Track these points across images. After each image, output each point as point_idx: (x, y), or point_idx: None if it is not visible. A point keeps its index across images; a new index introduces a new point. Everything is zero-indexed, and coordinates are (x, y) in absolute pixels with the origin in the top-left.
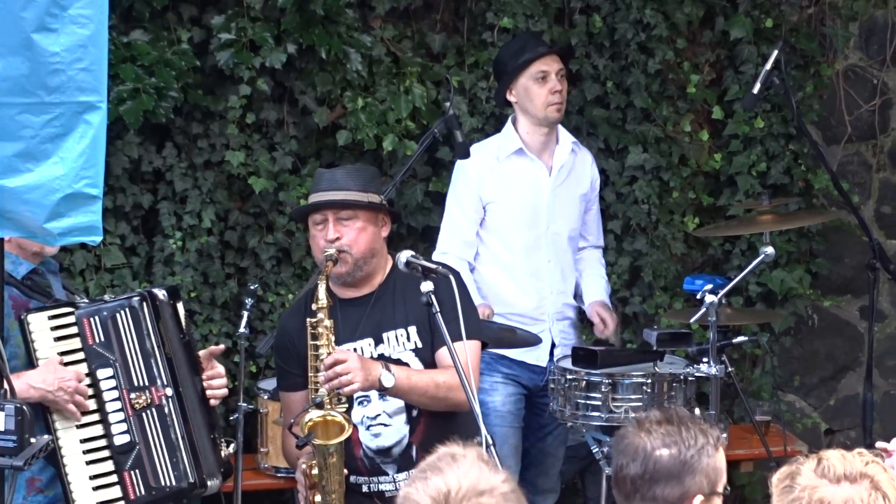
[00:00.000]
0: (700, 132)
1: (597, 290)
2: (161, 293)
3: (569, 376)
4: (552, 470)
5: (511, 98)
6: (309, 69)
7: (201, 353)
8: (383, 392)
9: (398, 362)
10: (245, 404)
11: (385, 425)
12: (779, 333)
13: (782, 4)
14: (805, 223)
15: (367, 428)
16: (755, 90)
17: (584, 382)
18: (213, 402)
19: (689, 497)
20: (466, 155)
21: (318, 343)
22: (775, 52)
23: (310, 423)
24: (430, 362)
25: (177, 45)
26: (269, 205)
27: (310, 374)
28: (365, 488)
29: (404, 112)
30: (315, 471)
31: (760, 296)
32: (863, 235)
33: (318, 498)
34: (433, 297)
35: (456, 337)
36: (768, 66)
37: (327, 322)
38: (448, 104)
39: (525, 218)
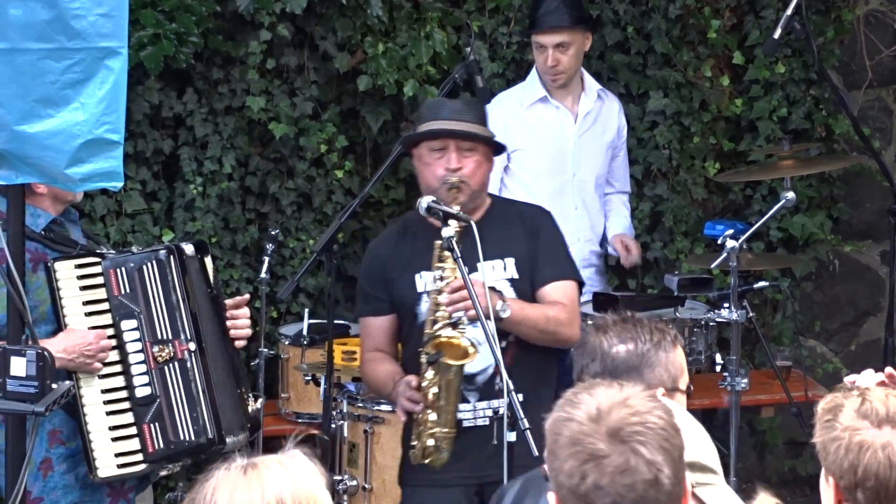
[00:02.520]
0: (721, 77)
1: (620, 225)
2: (189, 248)
3: (589, 322)
4: None
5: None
6: (329, 14)
7: (228, 301)
8: (498, 321)
9: (492, 291)
10: (266, 350)
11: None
12: (800, 279)
13: None
14: (826, 168)
15: None
16: (776, 35)
17: None
18: (238, 343)
19: (651, 390)
20: (487, 100)
21: (443, 266)
22: None
23: (438, 341)
24: (526, 294)
25: None
26: (289, 150)
27: (432, 294)
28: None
29: (425, 57)
30: (434, 389)
31: (781, 241)
32: (884, 180)
33: (432, 416)
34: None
35: (559, 276)
36: (789, 11)
37: (456, 253)
38: (469, 49)
39: (550, 165)
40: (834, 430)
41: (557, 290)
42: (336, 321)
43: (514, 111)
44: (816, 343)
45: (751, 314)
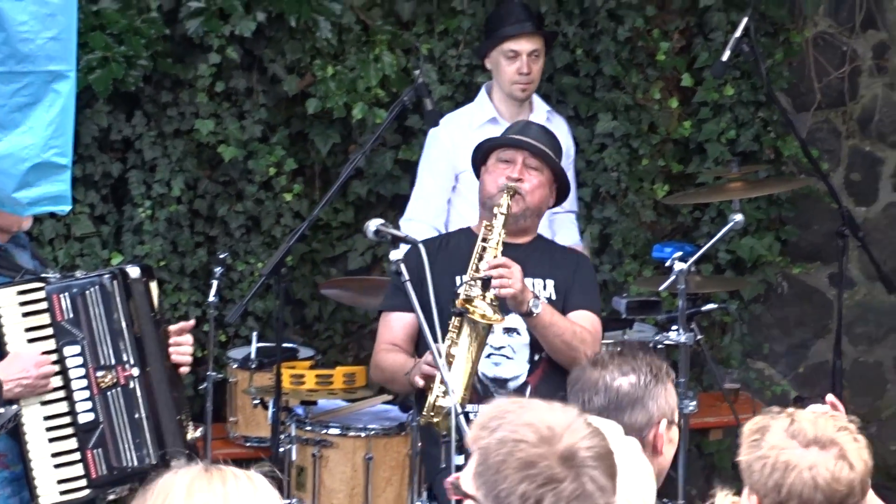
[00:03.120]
0: (669, 99)
1: (570, 239)
2: (134, 271)
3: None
4: None
5: (487, 64)
6: (278, 37)
7: (172, 327)
8: (527, 316)
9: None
10: (214, 373)
11: (508, 357)
12: (748, 301)
13: None
14: (774, 190)
15: (489, 356)
16: (724, 57)
17: None
18: (182, 369)
19: (656, 422)
20: (436, 123)
21: (486, 244)
22: (745, 20)
23: (467, 300)
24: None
25: (146, 14)
26: (238, 173)
27: (470, 269)
28: (472, 416)
29: (374, 80)
30: (455, 349)
31: (730, 263)
32: (832, 203)
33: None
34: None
35: (588, 306)
36: (738, 33)
37: (502, 230)
38: (418, 72)
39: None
40: (760, 448)
41: (584, 318)
42: (284, 344)
43: (463, 132)
44: (765, 365)
45: (699, 336)
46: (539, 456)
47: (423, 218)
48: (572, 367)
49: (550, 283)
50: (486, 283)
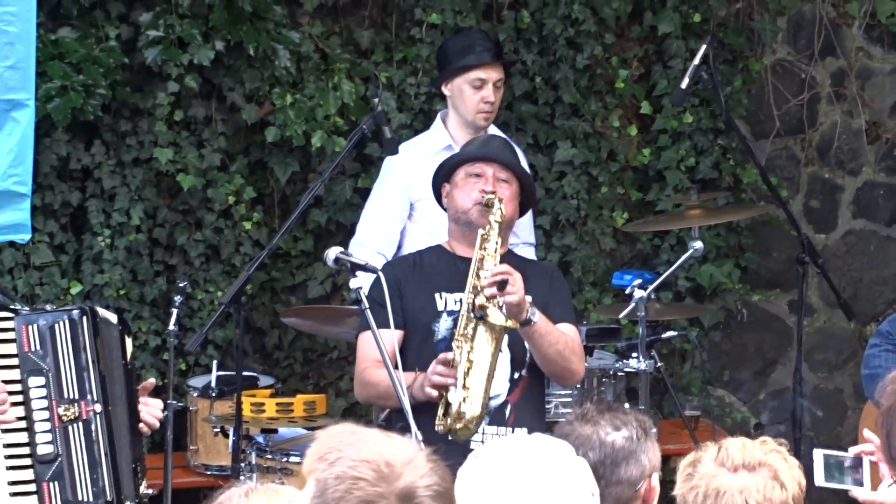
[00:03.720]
0: (628, 127)
1: None
2: (112, 316)
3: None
4: None
5: (445, 91)
6: (237, 66)
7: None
8: (525, 324)
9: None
10: (174, 402)
11: None
12: (708, 328)
13: None
14: (734, 217)
15: None
16: (683, 85)
17: None
18: (143, 427)
19: (648, 475)
20: (395, 151)
21: (485, 253)
22: (703, 47)
23: (485, 307)
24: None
25: (105, 43)
26: (197, 202)
27: (470, 278)
28: (450, 436)
29: (333, 108)
30: (467, 362)
31: (689, 290)
32: (791, 230)
33: (462, 392)
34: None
35: (569, 320)
36: (696, 60)
37: (498, 239)
38: (376, 100)
39: None
40: (692, 479)
41: (568, 331)
42: (244, 373)
43: (419, 160)
44: (725, 392)
45: (659, 364)
46: (377, 495)
47: (371, 244)
48: (562, 379)
49: (528, 298)
50: (501, 285)
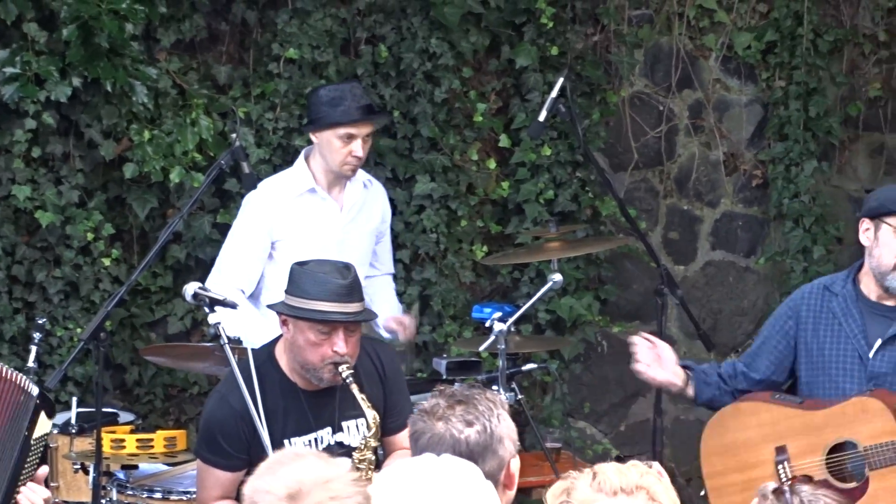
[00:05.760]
0: (487, 160)
1: (389, 308)
2: (34, 388)
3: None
4: None
5: (313, 138)
6: (94, 102)
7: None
8: None
9: (350, 451)
10: None
11: None
12: (568, 360)
13: (568, 32)
14: (593, 250)
15: None
16: (541, 118)
17: None
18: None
19: (507, 464)
20: (254, 186)
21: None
22: (561, 80)
23: None
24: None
25: None
26: (56, 238)
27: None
28: None
29: (191, 144)
30: None
31: (549, 323)
32: (651, 261)
33: None
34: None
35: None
36: (554, 93)
37: (370, 455)
38: (234, 136)
39: (314, 256)
40: None
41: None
42: (104, 409)
43: (281, 201)
44: (586, 424)
45: (520, 396)
46: None
47: (230, 280)
48: None
49: (371, 414)
50: None
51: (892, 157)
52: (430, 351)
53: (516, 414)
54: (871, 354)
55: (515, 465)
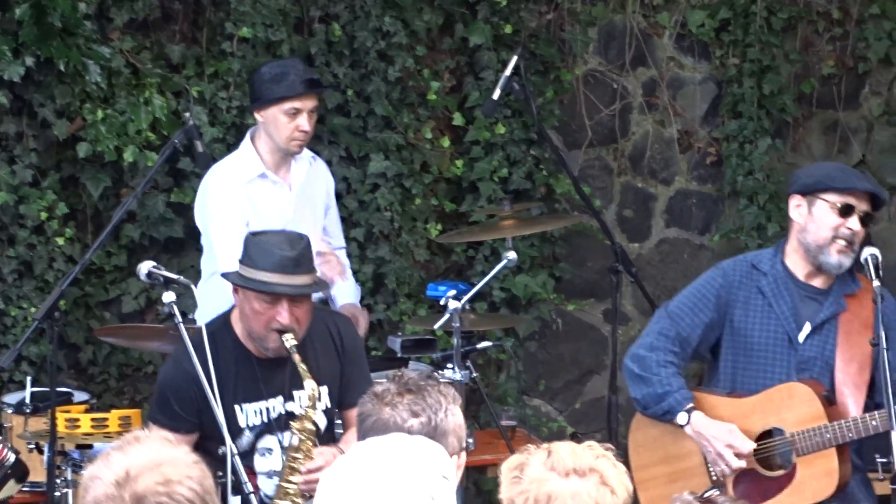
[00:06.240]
0: (441, 139)
1: (346, 293)
2: (10, 455)
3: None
4: None
5: (258, 117)
6: (48, 81)
7: None
8: None
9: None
10: None
11: None
12: (523, 338)
13: (521, 10)
14: (547, 227)
15: (270, 477)
16: (495, 96)
17: None
18: None
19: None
20: (207, 165)
21: (297, 452)
22: (514, 58)
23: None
24: (334, 419)
25: None
26: (9, 218)
27: (286, 474)
28: None
29: (144, 123)
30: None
31: (504, 301)
32: (605, 239)
33: None
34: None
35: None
36: (508, 71)
37: (309, 425)
38: (188, 115)
39: None
40: (521, 483)
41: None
42: (59, 389)
43: (234, 187)
44: (541, 402)
45: (475, 374)
46: (107, 497)
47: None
48: None
49: (324, 390)
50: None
51: (845, 135)
52: (384, 329)
53: (472, 392)
54: (801, 338)
55: (457, 462)
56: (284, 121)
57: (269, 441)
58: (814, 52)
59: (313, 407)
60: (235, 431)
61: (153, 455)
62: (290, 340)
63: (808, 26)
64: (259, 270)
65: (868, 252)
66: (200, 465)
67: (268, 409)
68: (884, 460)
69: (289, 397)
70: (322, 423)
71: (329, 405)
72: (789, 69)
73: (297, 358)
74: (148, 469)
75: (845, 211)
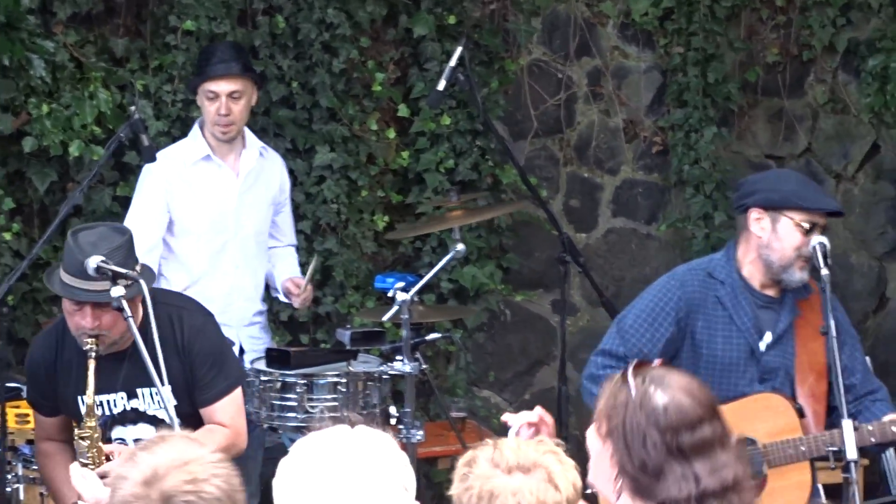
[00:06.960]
0: (387, 130)
1: (289, 271)
2: None
3: (263, 378)
4: (253, 474)
5: (198, 101)
6: None
7: None
8: None
9: (153, 419)
10: None
11: None
12: (472, 329)
13: (465, 1)
14: (494, 214)
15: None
16: (440, 87)
17: (280, 383)
18: None
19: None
20: (153, 159)
21: (85, 460)
22: (459, 49)
23: None
24: (187, 415)
25: None
26: None
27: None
28: None
29: (90, 117)
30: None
31: (452, 292)
32: (552, 229)
33: None
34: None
35: (220, 394)
36: (452, 62)
37: (93, 424)
38: (133, 108)
39: (212, 224)
40: (468, 480)
41: (221, 412)
42: (8, 384)
43: (177, 169)
44: (490, 393)
45: (424, 366)
46: (135, 497)
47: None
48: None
49: (167, 389)
50: None
51: (790, 122)
52: (333, 322)
53: (421, 384)
54: (762, 347)
55: None
56: (206, 105)
57: (120, 432)
58: (758, 40)
59: (90, 415)
60: (81, 419)
61: (180, 454)
62: (87, 345)
63: (751, 14)
64: (65, 273)
65: (816, 240)
66: (226, 463)
67: (110, 402)
68: (835, 449)
69: (132, 395)
70: (175, 421)
71: (175, 402)
72: (734, 57)
73: (91, 363)
74: (175, 468)
75: (810, 230)
